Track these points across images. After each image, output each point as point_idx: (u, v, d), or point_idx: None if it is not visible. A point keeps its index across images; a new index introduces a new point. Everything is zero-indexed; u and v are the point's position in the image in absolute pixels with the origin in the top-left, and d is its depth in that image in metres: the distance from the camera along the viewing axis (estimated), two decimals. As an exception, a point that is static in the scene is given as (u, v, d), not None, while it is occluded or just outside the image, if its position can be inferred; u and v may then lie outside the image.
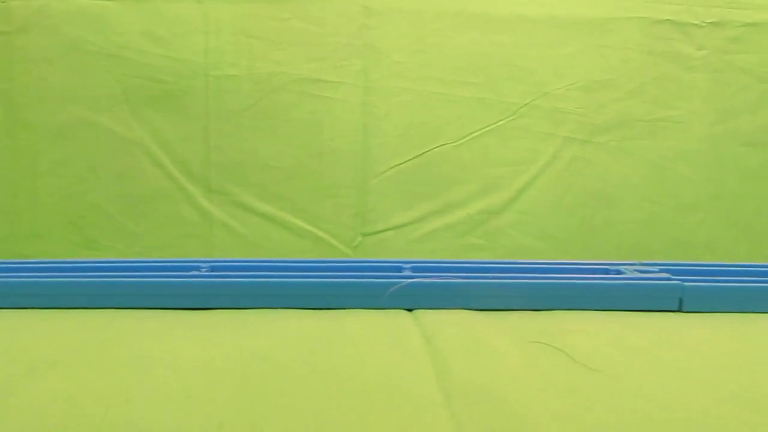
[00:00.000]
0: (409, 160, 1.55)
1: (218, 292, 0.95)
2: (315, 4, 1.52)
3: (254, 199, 1.54)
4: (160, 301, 0.95)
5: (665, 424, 0.59)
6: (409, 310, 0.93)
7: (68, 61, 1.50)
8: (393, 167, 1.55)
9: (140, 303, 0.95)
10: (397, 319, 0.89)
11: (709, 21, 1.56)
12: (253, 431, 0.57)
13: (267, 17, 1.51)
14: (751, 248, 1.58)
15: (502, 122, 1.55)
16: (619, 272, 1.02)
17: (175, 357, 0.74)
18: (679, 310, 0.95)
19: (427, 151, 1.55)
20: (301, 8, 1.52)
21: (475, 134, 1.55)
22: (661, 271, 1.01)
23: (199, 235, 1.55)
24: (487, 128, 1.55)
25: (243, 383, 0.67)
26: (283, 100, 1.53)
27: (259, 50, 1.51)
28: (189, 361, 0.73)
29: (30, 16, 1.47)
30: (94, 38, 1.49)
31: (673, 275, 0.98)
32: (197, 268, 1.05)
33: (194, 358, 0.74)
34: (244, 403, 0.62)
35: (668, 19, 1.56)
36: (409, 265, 1.03)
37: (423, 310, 0.92)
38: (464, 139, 1.55)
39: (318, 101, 1.53)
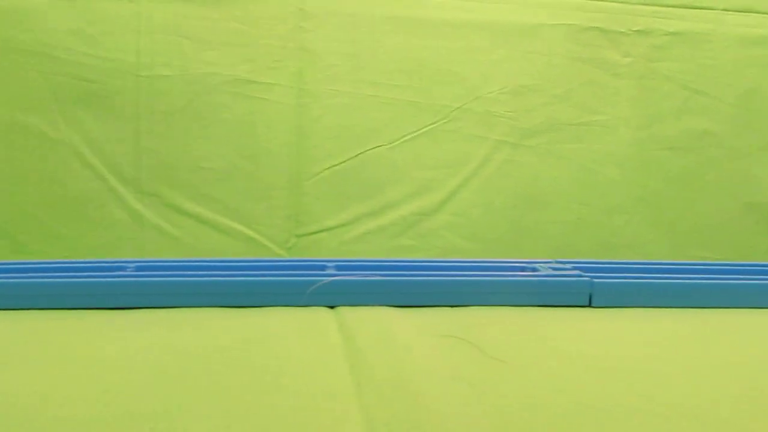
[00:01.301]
0: (343, 162, 1.56)
1: (143, 292, 0.95)
2: (249, 6, 1.52)
3: (186, 200, 1.53)
4: (86, 302, 0.94)
5: (561, 409, 0.61)
6: (331, 307, 0.95)
7: (-5, 59, 1.47)
8: (327, 169, 1.56)
9: (65, 303, 0.94)
10: (318, 315, 0.91)
11: (635, 29, 1.61)
12: (166, 420, 0.57)
13: (200, 17, 1.51)
14: (672, 248, 1.63)
15: (434, 125, 1.57)
16: (534, 269, 1.06)
17: (96, 354, 0.74)
18: (589, 306, 0.99)
19: (360, 153, 1.56)
20: (234, 9, 1.51)
21: (408, 137, 1.57)
22: (573, 268, 1.04)
23: (130, 237, 1.53)
24: (420, 131, 1.57)
25: (161, 377, 0.67)
26: (216, 101, 1.52)
27: (192, 50, 1.51)
28: (109, 357, 0.73)
29: (-45, 13, 1.44)
30: (22, 36, 1.46)
31: (585, 272, 1.01)
32: (123, 268, 1.04)
33: (114, 355, 0.74)
34: (160, 394, 0.63)
35: (596, 27, 1.60)
36: (332, 264, 1.05)
37: (344, 307, 0.94)
38: (397, 142, 1.57)
39: (252, 102, 1.53)
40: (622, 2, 1.61)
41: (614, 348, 0.81)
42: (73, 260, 1.16)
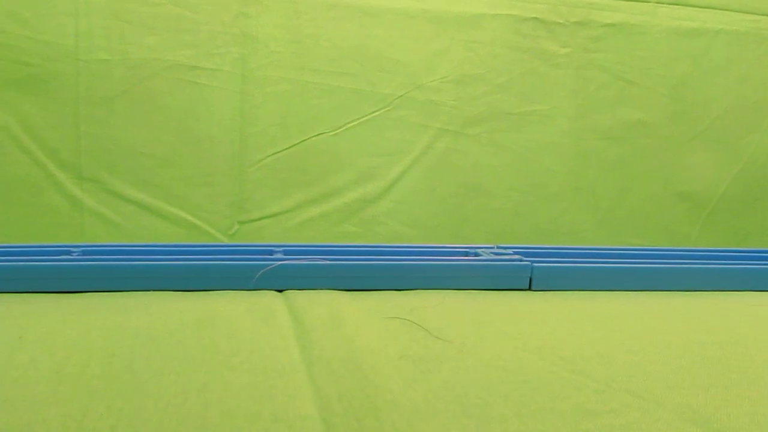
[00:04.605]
0: (286, 148, 1.56)
1: (90, 276, 0.95)
2: (191, -9, 1.51)
3: (127, 186, 1.51)
4: (32, 285, 0.94)
5: (502, 386, 0.64)
6: (280, 291, 0.95)
7: (-74, 41, 1.43)
8: (270, 156, 1.56)
9: (11, 287, 0.93)
10: (267, 299, 0.91)
11: (573, 20, 1.65)
12: (122, 398, 0.58)
13: (140, 1, 1.48)
14: (609, 235, 1.69)
15: (377, 113, 1.59)
16: (477, 254, 1.08)
17: (46, 336, 0.74)
18: (529, 289, 1.03)
19: (304, 140, 1.57)
20: (176, -6, 1.50)
21: (351, 124, 1.58)
22: (515, 253, 1.08)
23: (69, 223, 1.50)
24: (363, 119, 1.58)
25: (114, 357, 0.68)
26: (157, 86, 1.50)
27: (133, 35, 1.49)
28: (60, 339, 0.73)
29: None
30: (-46, 18, 1.43)
31: (525, 257, 1.05)
32: (68, 252, 1.03)
33: (65, 337, 0.74)
34: (113, 373, 0.63)
35: (535, 18, 1.64)
36: (280, 249, 1.06)
37: (293, 291, 0.95)
38: (340, 129, 1.58)
39: (194, 88, 1.52)
40: (560, -7, 1.65)
41: (553, 328, 0.84)
42: (17, 244, 1.14)
